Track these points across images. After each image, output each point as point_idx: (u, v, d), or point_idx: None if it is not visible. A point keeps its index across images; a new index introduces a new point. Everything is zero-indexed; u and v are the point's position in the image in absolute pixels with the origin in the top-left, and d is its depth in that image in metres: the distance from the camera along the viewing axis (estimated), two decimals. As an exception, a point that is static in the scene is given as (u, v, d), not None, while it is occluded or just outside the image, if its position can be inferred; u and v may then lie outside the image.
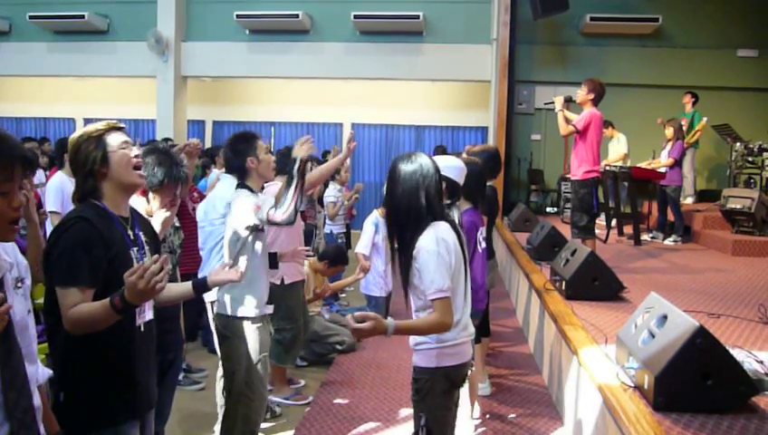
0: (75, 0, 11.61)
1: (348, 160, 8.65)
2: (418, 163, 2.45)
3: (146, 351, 2.22)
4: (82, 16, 11.34)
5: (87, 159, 2.17)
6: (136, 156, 2.25)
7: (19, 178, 1.61)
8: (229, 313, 3.23)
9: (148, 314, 2.24)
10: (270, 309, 3.41)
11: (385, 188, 2.55)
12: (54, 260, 2.02)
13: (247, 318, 3.24)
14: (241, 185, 3.36)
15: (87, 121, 13.22)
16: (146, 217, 2.56)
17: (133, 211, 2.33)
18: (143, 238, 2.27)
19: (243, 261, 2.93)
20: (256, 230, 3.20)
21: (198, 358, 5.19)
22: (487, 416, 4.13)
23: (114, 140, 2.22)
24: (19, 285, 1.72)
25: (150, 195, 2.95)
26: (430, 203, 2.43)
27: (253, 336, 3.25)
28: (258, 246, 3.25)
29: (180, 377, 4.72)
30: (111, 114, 13.16)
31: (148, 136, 12.41)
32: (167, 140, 7.34)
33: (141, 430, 2.24)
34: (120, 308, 1.91)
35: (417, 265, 2.38)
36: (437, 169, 2.49)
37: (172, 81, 11.55)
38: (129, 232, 2.22)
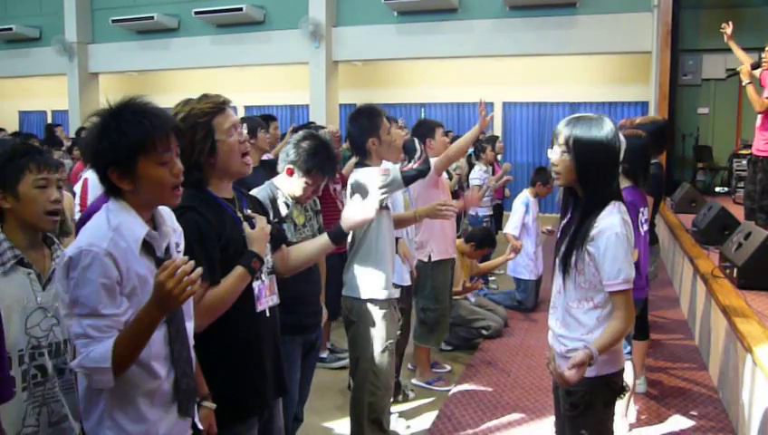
0: (233, -7, 12.21)
1: (500, 140, 8.48)
2: (609, 129, 2.11)
3: (272, 337, 2.18)
4: (241, 9, 11.92)
5: (193, 149, 1.96)
6: (245, 140, 2.09)
7: (175, 147, 1.71)
8: (355, 294, 3.18)
9: (274, 299, 2.19)
10: (397, 293, 3.31)
11: (565, 155, 2.14)
12: None
13: (374, 301, 3.17)
14: (360, 164, 3.27)
15: (248, 110, 13.92)
16: (256, 196, 2.52)
17: (239, 191, 2.22)
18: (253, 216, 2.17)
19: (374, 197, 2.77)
20: (381, 208, 3.11)
21: (342, 337, 5.22)
22: (644, 417, 3.81)
23: (222, 124, 2.02)
24: (179, 249, 1.83)
25: (296, 175, 2.85)
26: (615, 178, 2.15)
27: (379, 322, 3.18)
28: (383, 224, 3.16)
29: (325, 355, 4.82)
30: (269, 101, 13.92)
31: (302, 121, 12.82)
32: (310, 123, 7.47)
33: (270, 417, 2.22)
34: (256, 269, 2.01)
35: (594, 248, 2.08)
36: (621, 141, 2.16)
37: (324, 66, 11.82)
38: (239, 214, 2.10)
